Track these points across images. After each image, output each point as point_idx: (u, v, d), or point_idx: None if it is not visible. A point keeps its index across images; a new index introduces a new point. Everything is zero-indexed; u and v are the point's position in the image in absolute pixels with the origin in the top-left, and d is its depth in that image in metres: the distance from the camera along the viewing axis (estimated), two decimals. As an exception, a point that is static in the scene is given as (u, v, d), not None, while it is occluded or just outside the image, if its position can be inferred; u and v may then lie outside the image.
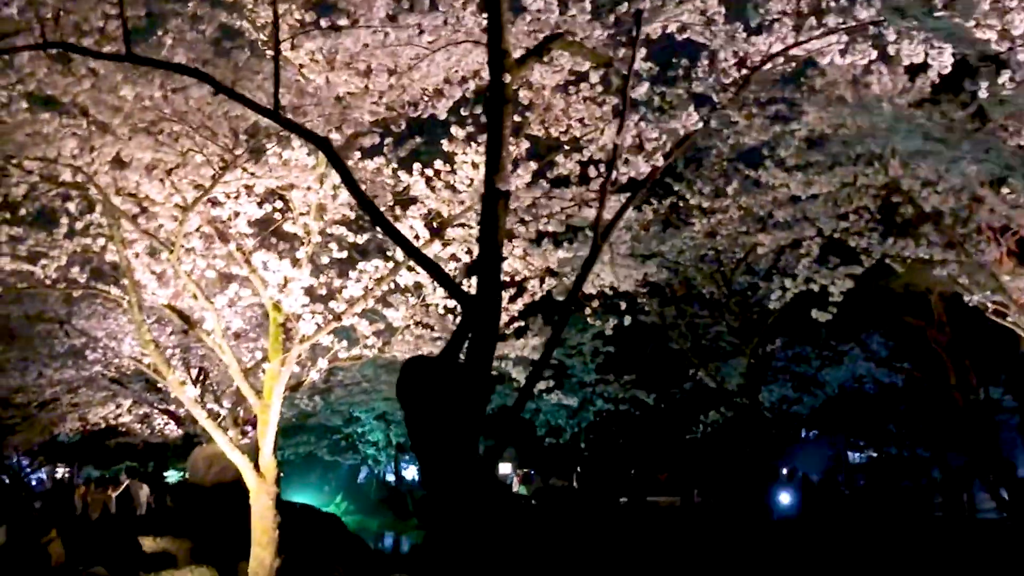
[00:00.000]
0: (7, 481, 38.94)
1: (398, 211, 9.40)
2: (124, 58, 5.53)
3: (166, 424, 23.55)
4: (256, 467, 9.27)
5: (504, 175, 5.63)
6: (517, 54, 5.74)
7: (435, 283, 10.10)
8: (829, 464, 29.19)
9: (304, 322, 8.95)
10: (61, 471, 43.26)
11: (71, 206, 9.07)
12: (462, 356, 5.88)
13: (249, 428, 16.21)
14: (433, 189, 9.32)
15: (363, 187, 9.13)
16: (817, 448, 30.33)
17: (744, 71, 5.96)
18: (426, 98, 7.40)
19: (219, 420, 16.07)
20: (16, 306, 14.77)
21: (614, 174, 5.84)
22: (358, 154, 9.01)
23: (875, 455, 29.16)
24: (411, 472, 36.82)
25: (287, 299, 8.83)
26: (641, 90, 5.90)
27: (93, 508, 20.99)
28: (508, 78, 5.53)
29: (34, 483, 39.78)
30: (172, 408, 21.71)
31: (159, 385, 21.42)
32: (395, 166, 9.15)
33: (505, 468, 32.68)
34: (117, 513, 22.56)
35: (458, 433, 5.66)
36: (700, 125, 5.86)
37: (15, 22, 6.03)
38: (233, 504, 16.09)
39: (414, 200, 9.48)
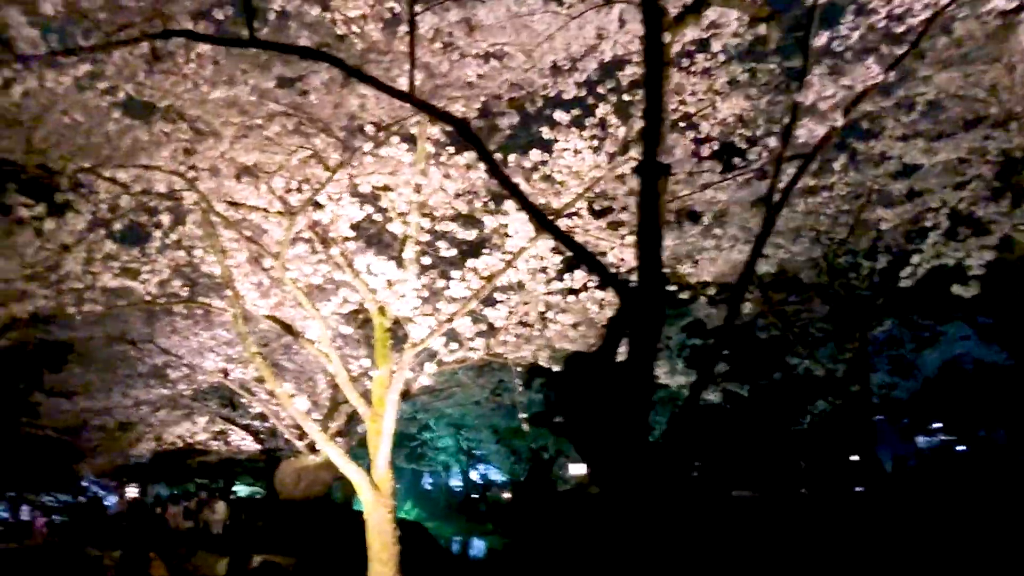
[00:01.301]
0: (83, 503, 39.40)
1: (491, 205, 8.93)
2: (247, 43, 5.09)
3: (242, 440, 23.39)
4: (371, 481, 8.81)
5: (665, 147, 5.08)
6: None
7: (535, 280, 9.63)
8: (900, 450, 28.02)
9: (416, 326, 8.49)
10: (131, 491, 43.59)
11: (164, 219, 8.75)
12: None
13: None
14: (528, 180, 8.83)
15: (457, 185, 8.76)
16: (887, 432, 29.14)
17: (923, 16, 5.35)
18: (553, 76, 6.88)
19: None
20: (98, 327, 14.61)
21: (789, 139, 5.24)
22: (451, 148, 8.57)
23: (948, 439, 27.93)
24: (480, 476, 36.41)
25: (397, 302, 8.38)
26: (820, 41, 5.32)
27: (179, 527, 20.93)
28: (668, 37, 4.98)
29: (108, 504, 40.14)
30: (251, 423, 21.59)
31: (240, 401, 21.37)
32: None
33: (579, 468, 32.06)
34: (199, 530, 22.48)
35: (623, 433, 5.16)
36: (880, 79, 5.26)
37: (111, 22, 5.65)
38: (323, 519, 15.87)
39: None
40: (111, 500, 41.59)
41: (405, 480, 39.27)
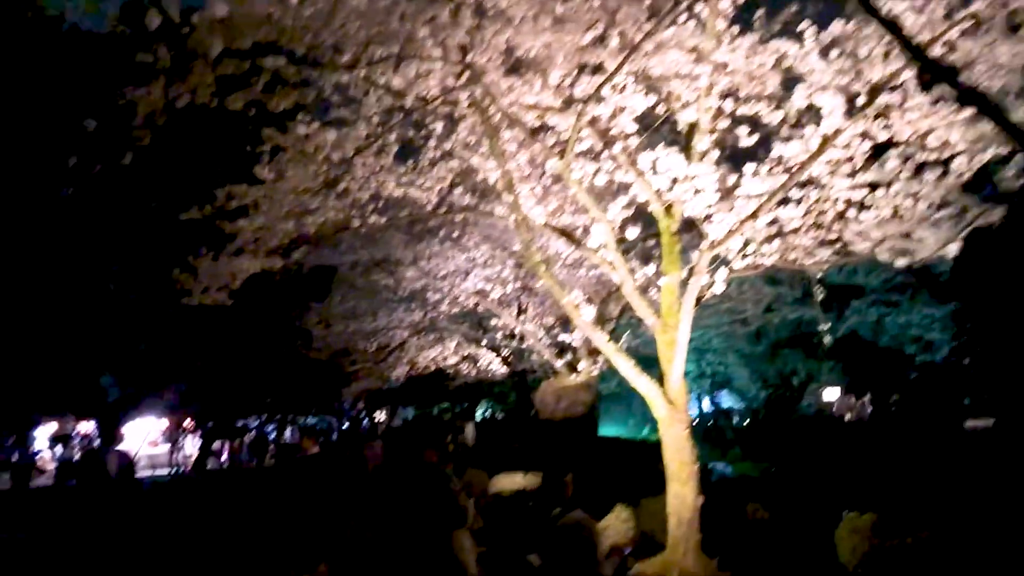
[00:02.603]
0: (345, 428, 42.46)
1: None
2: None
3: (488, 364, 23.76)
4: (665, 395, 8.18)
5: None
6: None
7: (838, 172, 8.43)
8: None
9: (712, 224, 7.66)
10: (379, 415, 46.27)
11: (438, 125, 8.43)
12: None
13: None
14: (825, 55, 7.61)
15: (753, 64, 7.70)
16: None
17: None
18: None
19: (568, 352, 15.53)
20: (364, 251, 14.98)
21: None
22: (728, 33, 7.51)
23: None
24: (727, 400, 35.22)
25: (692, 200, 7.57)
26: None
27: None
28: None
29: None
30: (499, 346, 21.83)
31: (489, 324, 21.64)
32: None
33: (832, 393, 30.19)
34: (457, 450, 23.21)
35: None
36: None
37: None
38: (581, 438, 15.62)
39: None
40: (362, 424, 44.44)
41: (642, 405, 38.90)
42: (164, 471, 28.43)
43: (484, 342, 21.67)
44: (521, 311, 16.94)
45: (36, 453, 28.72)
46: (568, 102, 7.74)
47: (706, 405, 37.07)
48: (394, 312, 16.81)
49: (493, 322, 21.92)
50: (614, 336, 16.99)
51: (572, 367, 14.77)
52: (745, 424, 33.10)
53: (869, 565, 7.51)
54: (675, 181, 7.98)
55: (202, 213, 8.12)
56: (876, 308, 23.41)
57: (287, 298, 21.64)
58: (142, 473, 28.47)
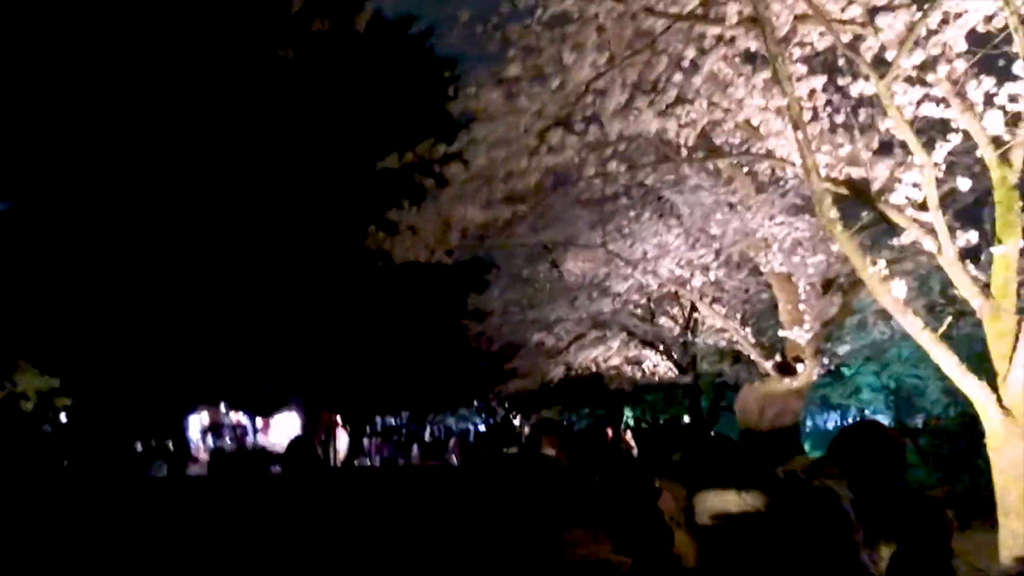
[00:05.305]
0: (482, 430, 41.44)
1: None
2: None
3: (655, 366, 21.82)
4: (999, 401, 6.15)
5: None
6: None
7: None
8: None
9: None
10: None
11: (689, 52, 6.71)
12: None
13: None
14: None
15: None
16: None
17: None
18: None
19: (777, 352, 13.48)
20: (546, 232, 13.44)
21: None
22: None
23: None
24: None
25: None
26: None
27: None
28: None
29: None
30: (670, 346, 19.91)
31: (659, 323, 19.74)
32: None
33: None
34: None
35: None
36: None
37: None
38: (789, 453, 13.55)
39: None
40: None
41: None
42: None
43: (656, 343, 19.80)
44: (715, 303, 14.94)
45: (190, 442, 28.81)
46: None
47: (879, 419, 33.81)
48: (575, 301, 15.18)
49: (662, 320, 20.03)
50: (836, 337, 14.92)
51: (784, 369, 12.68)
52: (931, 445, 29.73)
53: None
54: (1017, 118, 6.00)
55: (404, 161, 6.70)
56: None
57: (446, 290, 20.56)
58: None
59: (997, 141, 6.14)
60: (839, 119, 6.71)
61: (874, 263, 6.15)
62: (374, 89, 21.07)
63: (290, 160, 19.26)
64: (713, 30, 6.61)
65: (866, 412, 31.41)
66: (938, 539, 3.63)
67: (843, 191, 6.72)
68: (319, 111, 20.41)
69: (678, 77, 6.82)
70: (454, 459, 30.70)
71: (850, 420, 35.46)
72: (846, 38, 6.22)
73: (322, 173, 18.92)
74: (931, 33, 5.96)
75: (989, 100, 6.06)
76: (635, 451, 23.25)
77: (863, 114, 6.81)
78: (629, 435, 26.45)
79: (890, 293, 6.15)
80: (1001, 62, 6.25)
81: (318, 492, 12.70)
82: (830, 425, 39.33)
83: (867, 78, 5.97)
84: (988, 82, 6.07)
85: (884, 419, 32.90)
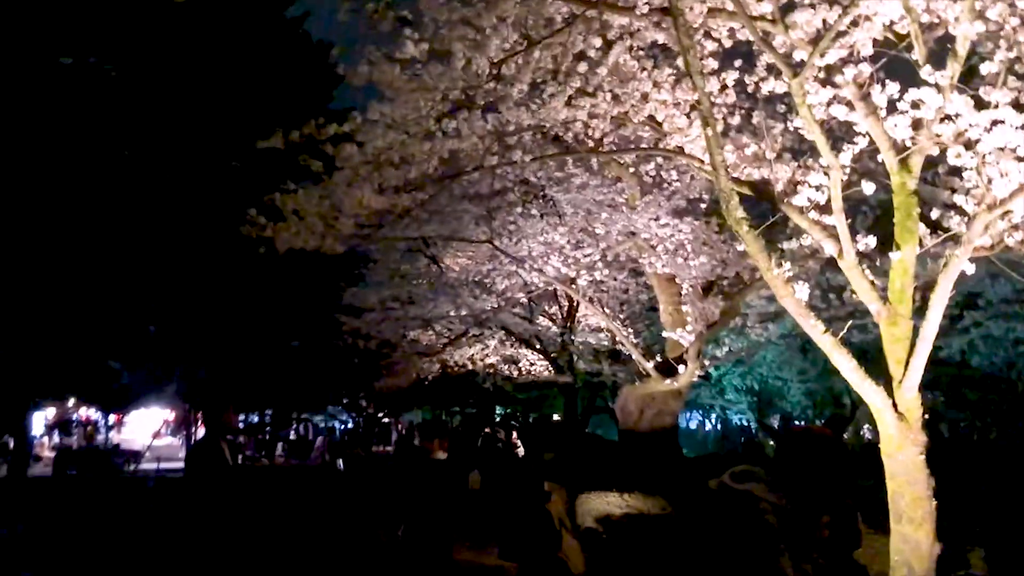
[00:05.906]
0: (350, 428, 40.37)
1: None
2: None
3: (531, 366, 21.71)
4: (894, 407, 6.16)
5: None
6: None
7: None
8: None
9: (1001, 178, 5.65)
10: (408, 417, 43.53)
11: (594, 43, 6.45)
12: None
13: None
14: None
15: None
16: None
17: None
18: None
19: (657, 354, 13.51)
20: (430, 226, 12.95)
21: None
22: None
23: None
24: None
25: (990, 139, 5.54)
26: None
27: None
28: None
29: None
30: (546, 346, 19.86)
31: (538, 321, 19.62)
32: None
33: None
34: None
35: None
36: None
37: None
38: (669, 455, 13.61)
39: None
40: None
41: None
42: (173, 464, 26.21)
43: (533, 341, 19.66)
44: (595, 303, 14.88)
45: (33, 439, 26.61)
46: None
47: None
48: (458, 299, 14.79)
49: (540, 319, 19.95)
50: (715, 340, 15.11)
51: (665, 370, 12.69)
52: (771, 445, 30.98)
53: None
54: (917, 125, 6.02)
55: (288, 140, 6.12)
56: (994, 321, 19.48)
57: (321, 283, 19.74)
58: (146, 466, 26.52)
59: (898, 146, 6.16)
60: (734, 121, 6.58)
61: (780, 265, 6.04)
62: (245, 69, 19.89)
63: (146, 138, 17.86)
64: (620, 20, 6.38)
65: (728, 413, 32.40)
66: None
67: (746, 191, 6.61)
68: (180, 91, 19.09)
69: (583, 67, 6.55)
70: (326, 458, 29.72)
71: (713, 419, 36.58)
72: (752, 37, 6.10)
73: (187, 153, 17.67)
74: (840, 35, 5.91)
75: (892, 105, 6.06)
76: (521, 451, 23.09)
77: (768, 114, 6.72)
78: (515, 435, 26.22)
79: (793, 295, 6.06)
80: (901, 71, 6.29)
81: (219, 494, 11.92)
82: (692, 424, 40.50)
83: (779, 75, 5.84)
84: (892, 87, 6.06)
85: (747, 420, 34.20)
